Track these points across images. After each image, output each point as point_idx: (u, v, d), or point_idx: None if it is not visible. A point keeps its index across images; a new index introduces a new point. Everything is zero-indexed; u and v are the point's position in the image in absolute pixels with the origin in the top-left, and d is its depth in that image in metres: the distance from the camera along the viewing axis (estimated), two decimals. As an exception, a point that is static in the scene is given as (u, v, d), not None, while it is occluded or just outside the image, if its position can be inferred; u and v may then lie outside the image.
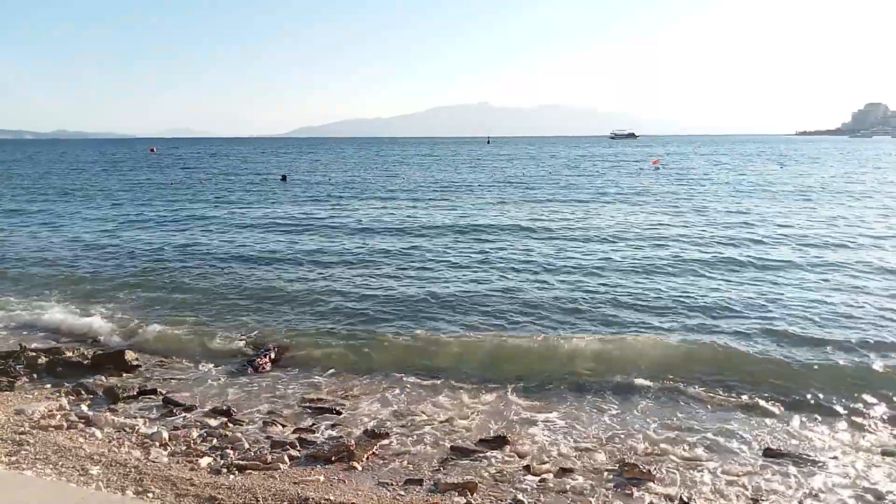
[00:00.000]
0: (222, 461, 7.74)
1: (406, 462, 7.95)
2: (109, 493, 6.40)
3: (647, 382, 10.27)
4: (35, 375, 10.74)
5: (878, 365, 10.76)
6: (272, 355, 11.64)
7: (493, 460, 7.95)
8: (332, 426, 8.98)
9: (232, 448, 8.17)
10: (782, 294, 15.29)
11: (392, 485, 7.31)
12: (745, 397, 9.78)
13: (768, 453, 8.12)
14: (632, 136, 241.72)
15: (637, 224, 26.85)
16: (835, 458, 8.02)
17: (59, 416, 8.91)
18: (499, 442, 8.40)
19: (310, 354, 11.76)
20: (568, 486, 7.34)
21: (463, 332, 12.91)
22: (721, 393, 9.94)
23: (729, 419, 9.11)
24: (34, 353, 11.46)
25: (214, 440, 8.45)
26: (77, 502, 5.82)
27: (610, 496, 7.19)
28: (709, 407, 9.51)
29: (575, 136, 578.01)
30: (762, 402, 9.59)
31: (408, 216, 30.15)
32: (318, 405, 9.65)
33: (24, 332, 13.23)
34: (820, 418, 9.14)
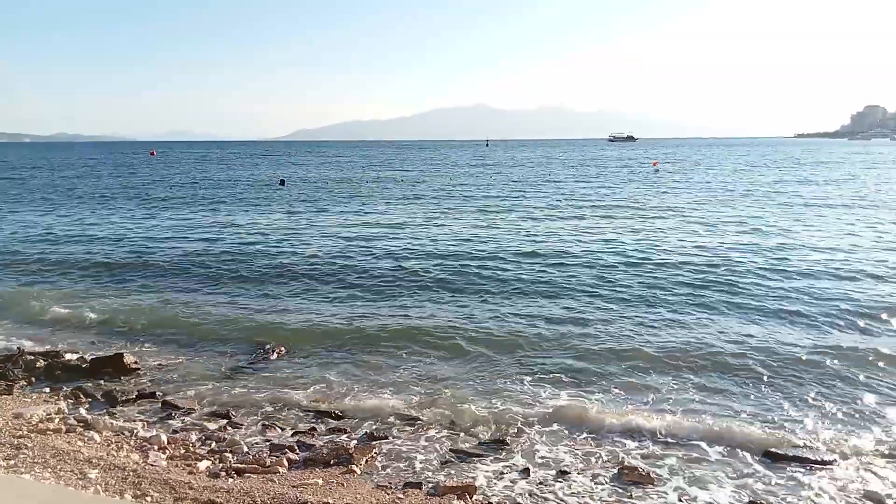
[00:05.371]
0: (221, 465, 7.73)
1: (405, 465, 7.95)
2: (108, 496, 6.38)
3: (651, 385, 10.29)
4: (33, 379, 10.73)
5: None
6: (271, 357, 11.64)
7: (491, 463, 7.96)
8: (331, 429, 8.97)
9: (231, 451, 8.16)
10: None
11: (391, 488, 7.30)
12: (744, 398, 9.79)
13: (768, 455, 8.12)
14: (630, 138, 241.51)
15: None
16: (836, 459, 8.01)
17: (57, 420, 8.89)
18: (497, 445, 8.40)
19: (309, 357, 11.76)
20: (567, 489, 7.34)
21: (463, 335, 12.90)
22: (722, 394, 9.94)
23: (729, 420, 9.10)
24: (32, 357, 11.43)
25: (213, 443, 8.45)
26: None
27: (609, 499, 7.19)
28: (709, 409, 9.51)
29: (575, 139, 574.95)
30: (764, 403, 9.60)
31: (408, 218, 30.20)
32: (317, 408, 9.64)
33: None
34: (821, 419, 9.12)
